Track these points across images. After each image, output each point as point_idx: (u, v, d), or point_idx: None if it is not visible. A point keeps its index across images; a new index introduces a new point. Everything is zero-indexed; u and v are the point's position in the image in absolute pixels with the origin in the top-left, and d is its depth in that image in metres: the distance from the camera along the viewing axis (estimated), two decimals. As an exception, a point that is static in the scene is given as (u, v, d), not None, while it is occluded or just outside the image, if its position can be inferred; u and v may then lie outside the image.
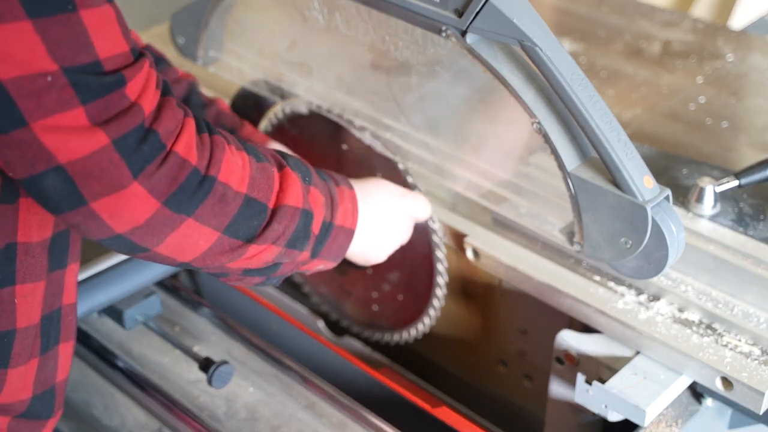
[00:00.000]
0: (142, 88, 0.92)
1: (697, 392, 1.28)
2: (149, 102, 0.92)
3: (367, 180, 1.28)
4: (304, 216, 1.07)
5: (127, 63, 0.92)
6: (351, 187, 1.20)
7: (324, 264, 1.16)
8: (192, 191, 0.95)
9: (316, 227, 1.10)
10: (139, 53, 0.94)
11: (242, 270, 1.06)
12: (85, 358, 1.43)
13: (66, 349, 1.13)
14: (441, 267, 1.50)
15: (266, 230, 1.03)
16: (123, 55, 0.91)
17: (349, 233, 1.16)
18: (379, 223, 1.24)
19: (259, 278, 1.10)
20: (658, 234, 1.15)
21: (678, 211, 1.26)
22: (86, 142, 0.88)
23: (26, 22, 0.84)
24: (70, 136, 0.88)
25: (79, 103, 0.88)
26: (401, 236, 1.31)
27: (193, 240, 0.97)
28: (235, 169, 0.99)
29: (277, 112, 1.62)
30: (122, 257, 1.41)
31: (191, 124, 0.96)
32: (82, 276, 1.39)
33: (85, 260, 1.40)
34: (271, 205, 1.03)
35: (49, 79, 0.86)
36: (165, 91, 0.96)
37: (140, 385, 1.36)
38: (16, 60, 0.85)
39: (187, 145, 0.94)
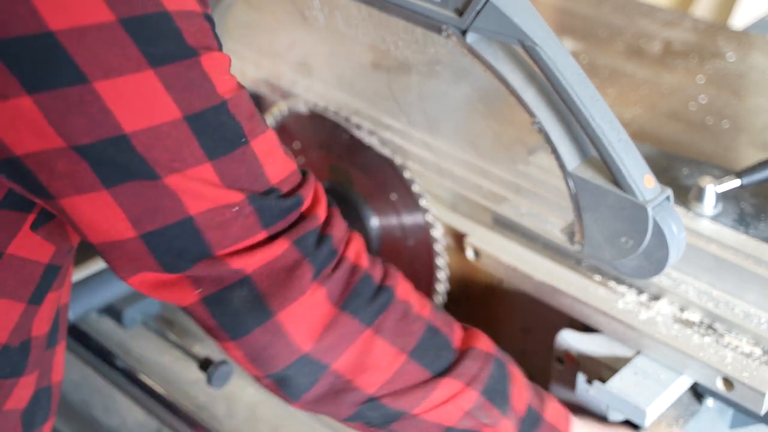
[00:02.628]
0: (313, 201, 0.93)
1: (698, 392, 1.28)
2: (322, 211, 0.93)
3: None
4: (498, 365, 0.99)
5: (299, 181, 0.93)
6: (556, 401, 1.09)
7: None
8: (368, 298, 0.92)
9: (517, 403, 1.00)
10: (303, 170, 0.96)
11: (432, 424, 0.95)
12: (84, 358, 1.43)
13: (61, 349, 1.13)
14: (441, 267, 1.50)
15: (457, 365, 0.95)
16: (294, 174, 0.93)
17: None
18: None
19: None
20: (659, 234, 1.15)
21: (679, 210, 1.26)
22: (270, 250, 0.89)
23: (207, 164, 0.85)
24: (254, 252, 0.88)
25: (261, 228, 0.88)
26: None
27: (375, 357, 0.91)
28: (412, 291, 0.97)
29: (277, 111, 1.62)
30: None
31: (359, 236, 0.97)
32: (79, 276, 1.39)
33: (82, 260, 1.40)
34: (455, 345, 0.96)
35: (236, 209, 0.87)
36: (330, 202, 0.97)
37: (140, 385, 1.36)
38: (205, 196, 0.85)
39: (357, 253, 0.94)
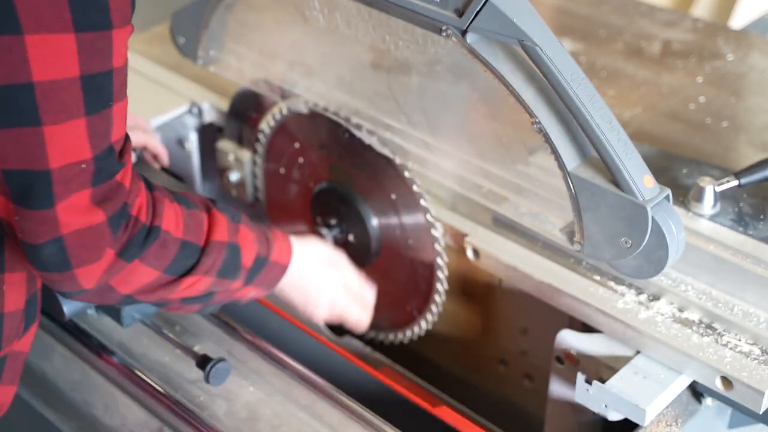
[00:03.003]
0: (126, 168, 1.06)
1: (697, 392, 1.28)
2: (128, 179, 1.06)
3: (307, 236, 1.39)
4: (230, 249, 1.19)
5: (125, 145, 1.06)
6: (285, 234, 1.32)
7: (256, 292, 1.28)
8: (141, 241, 1.08)
9: (247, 260, 1.22)
10: (126, 134, 1.08)
11: (180, 299, 1.18)
12: (85, 357, 1.43)
13: (33, 329, 1.23)
14: (441, 266, 1.51)
15: (198, 264, 1.15)
16: (123, 138, 1.06)
17: (283, 268, 1.29)
18: (312, 266, 1.35)
19: (197, 305, 1.22)
20: (658, 233, 1.15)
21: (678, 210, 1.26)
22: (89, 219, 1.02)
23: (83, 119, 0.99)
24: (78, 214, 1.01)
25: (90, 185, 1.01)
26: (333, 284, 1.39)
27: (136, 277, 1.10)
28: (172, 217, 1.13)
29: (277, 111, 1.62)
30: None
31: (143, 188, 1.10)
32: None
33: None
34: (202, 243, 1.16)
35: (84, 166, 1.00)
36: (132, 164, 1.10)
37: (141, 384, 1.37)
38: (68, 150, 0.98)
39: (140, 208, 1.08)
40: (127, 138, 1.07)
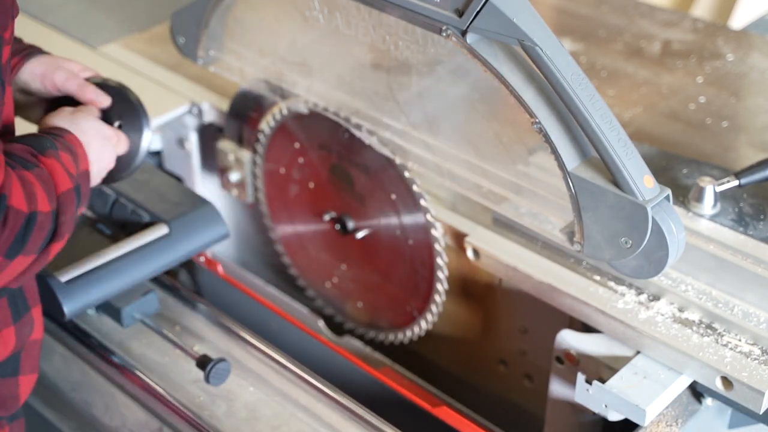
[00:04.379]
0: None
1: (697, 392, 1.28)
2: None
3: (80, 118, 1.34)
4: (76, 192, 1.19)
5: None
6: (72, 132, 1.29)
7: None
8: (22, 235, 1.07)
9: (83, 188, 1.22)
10: None
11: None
12: (85, 357, 1.43)
13: (38, 312, 1.23)
14: (441, 266, 1.51)
15: (60, 229, 1.14)
16: None
17: (87, 174, 1.25)
18: (97, 149, 1.32)
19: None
20: (659, 233, 1.15)
21: (678, 210, 1.26)
22: None
23: None
24: None
25: None
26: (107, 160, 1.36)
27: (11, 270, 1.09)
28: (38, 193, 1.11)
29: (277, 111, 1.62)
30: (112, 255, 1.42)
31: (10, 171, 1.08)
32: (77, 273, 1.39)
33: (79, 258, 1.40)
34: (56, 204, 1.14)
35: None
36: None
37: (140, 384, 1.37)
38: None
39: (16, 194, 1.07)
40: None
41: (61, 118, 1.30)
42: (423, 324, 1.58)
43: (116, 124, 1.39)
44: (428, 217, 1.48)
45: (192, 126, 1.83)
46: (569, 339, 1.32)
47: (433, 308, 1.55)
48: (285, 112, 1.60)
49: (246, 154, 1.72)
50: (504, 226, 1.44)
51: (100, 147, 1.31)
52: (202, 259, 1.69)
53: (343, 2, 1.38)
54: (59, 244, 1.15)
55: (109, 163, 1.34)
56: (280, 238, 1.76)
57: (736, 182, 1.36)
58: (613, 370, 1.27)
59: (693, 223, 1.34)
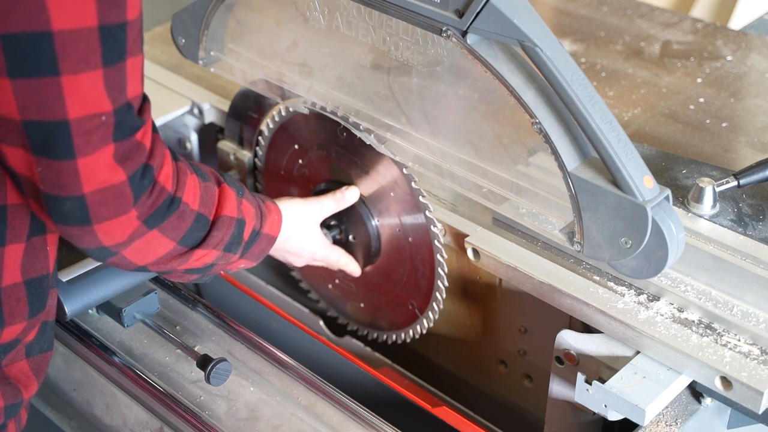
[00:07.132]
0: (146, 127, 1.08)
1: (696, 392, 1.29)
2: (149, 140, 1.08)
3: (292, 200, 1.46)
4: (238, 224, 1.26)
5: (142, 104, 1.08)
6: (275, 203, 1.39)
7: (246, 264, 1.34)
8: (164, 211, 1.12)
9: (246, 234, 1.28)
10: (144, 94, 1.09)
11: (185, 270, 1.24)
12: (86, 357, 1.44)
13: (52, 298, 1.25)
14: (441, 266, 1.51)
15: (208, 238, 1.21)
16: (140, 96, 1.07)
17: (272, 239, 1.35)
18: (297, 231, 1.43)
19: (196, 275, 1.28)
20: (658, 234, 1.16)
21: (678, 211, 1.26)
22: (110, 177, 1.04)
23: (100, 70, 0.99)
24: (100, 171, 1.03)
25: (112, 140, 1.03)
26: (314, 248, 1.49)
27: (153, 248, 1.14)
28: (192, 190, 1.17)
29: (277, 112, 1.62)
30: None
31: (169, 156, 1.13)
32: (76, 273, 1.39)
33: (78, 258, 1.41)
34: (212, 217, 1.21)
35: (103, 118, 1.01)
36: (153, 127, 1.12)
37: (141, 384, 1.37)
38: (87, 101, 0.99)
39: (167, 175, 1.11)
40: (145, 98, 1.09)
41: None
42: (423, 324, 1.58)
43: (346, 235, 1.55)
44: (427, 213, 1.48)
45: (192, 126, 1.83)
46: (569, 339, 1.33)
47: (435, 306, 1.55)
48: (285, 112, 1.60)
49: (246, 154, 1.73)
50: (504, 226, 1.44)
51: (302, 239, 1.43)
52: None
53: (344, 3, 1.38)
54: (204, 252, 1.21)
55: (291, 258, 1.45)
56: (280, 238, 1.76)
57: (735, 183, 1.36)
58: (613, 370, 1.27)
59: (692, 224, 1.34)
